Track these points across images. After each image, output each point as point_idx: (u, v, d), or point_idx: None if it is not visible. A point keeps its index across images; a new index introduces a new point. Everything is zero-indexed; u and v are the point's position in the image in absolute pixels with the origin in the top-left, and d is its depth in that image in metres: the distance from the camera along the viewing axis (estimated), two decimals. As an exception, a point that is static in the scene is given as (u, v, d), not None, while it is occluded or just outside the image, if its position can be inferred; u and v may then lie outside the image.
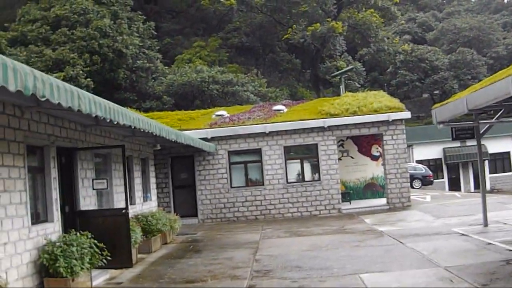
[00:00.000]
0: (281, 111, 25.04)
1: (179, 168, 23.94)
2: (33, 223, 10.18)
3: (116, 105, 10.35)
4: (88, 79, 31.56)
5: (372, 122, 23.00)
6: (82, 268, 10.08)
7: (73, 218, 12.41)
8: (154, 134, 12.84)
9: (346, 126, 23.12)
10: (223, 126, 23.59)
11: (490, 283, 9.16)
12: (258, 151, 23.44)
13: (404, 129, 23.33)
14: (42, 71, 30.88)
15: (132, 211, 15.77)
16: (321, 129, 23.09)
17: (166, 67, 41.28)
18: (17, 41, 35.56)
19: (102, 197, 14.53)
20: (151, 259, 14.33)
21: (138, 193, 17.37)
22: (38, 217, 10.78)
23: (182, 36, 52.42)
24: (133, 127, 11.05)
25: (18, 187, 9.62)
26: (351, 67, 46.30)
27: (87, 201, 12.89)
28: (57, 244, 10.11)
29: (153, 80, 38.50)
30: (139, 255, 14.78)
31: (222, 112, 25.60)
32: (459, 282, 9.31)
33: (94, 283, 11.18)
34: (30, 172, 10.40)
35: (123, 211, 12.26)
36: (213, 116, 25.43)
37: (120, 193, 15.15)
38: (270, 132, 23.18)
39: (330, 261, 12.21)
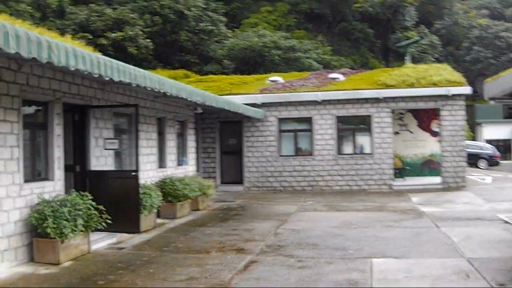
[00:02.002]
0: (337, 80, 23.95)
1: (227, 134, 23.39)
2: (27, 181, 9.81)
3: (128, 65, 9.88)
4: (148, 40, 31.27)
5: (430, 96, 21.60)
6: (74, 230, 9.65)
7: (83, 178, 12.02)
8: (181, 97, 12.29)
9: (402, 98, 21.82)
10: (274, 92, 22.77)
11: (509, 282, 8.06)
12: (308, 120, 22.57)
13: (464, 105, 21.76)
14: (101, 30, 31.33)
15: (161, 174, 15.39)
16: (376, 100, 21.91)
17: (229, 31, 40.56)
18: (80, 0, 35.78)
19: (123, 158, 14.14)
20: (171, 225, 13.89)
21: (171, 157, 16.91)
22: (37, 175, 10.38)
23: (251, 0, 51.34)
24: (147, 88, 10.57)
25: (9, 142, 9.24)
26: (417, 38, 44.02)
27: (101, 162, 12.49)
28: (50, 203, 9.67)
29: (216, 44, 37.91)
30: (160, 220, 14.46)
31: (277, 77, 24.75)
32: (475, 279, 8.26)
33: (95, 247, 10.79)
34: (28, 127, 10.01)
35: (133, 173, 11.70)
36: (267, 81, 24.64)
37: (146, 155, 14.75)
38: (322, 101, 22.21)
39: (351, 241, 11.39)
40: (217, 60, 36.73)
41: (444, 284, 8.00)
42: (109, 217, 10.69)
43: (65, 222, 9.48)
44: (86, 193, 10.48)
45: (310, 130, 22.52)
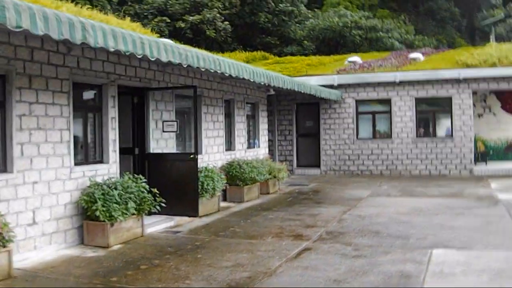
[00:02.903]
0: (417, 60, 22.88)
1: (304, 116, 22.91)
2: (79, 163, 9.78)
3: (184, 47, 9.65)
4: (226, 23, 31.05)
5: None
6: (124, 214, 9.54)
7: (142, 161, 11.92)
8: (242, 78, 11.97)
9: (483, 79, 20.50)
10: (351, 73, 22.03)
11: None
12: (387, 101, 21.71)
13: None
14: (180, 13, 31.38)
15: (229, 157, 15.17)
16: (456, 81, 20.73)
17: (309, 11, 39.69)
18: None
19: (187, 141, 13.99)
20: (235, 209, 13.65)
21: (240, 139, 16.63)
22: (90, 157, 10.34)
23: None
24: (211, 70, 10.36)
25: (59, 125, 9.22)
26: (502, 16, 41.42)
27: (162, 144, 12.35)
28: (101, 186, 9.59)
29: (297, 25, 37.20)
30: (226, 204, 14.28)
31: (356, 58, 23.98)
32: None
33: (150, 230, 10.67)
34: (80, 110, 9.98)
35: (191, 156, 11.48)
36: (346, 62, 23.93)
37: (212, 137, 14.55)
38: (400, 82, 21.28)
39: (415, 229, 10.73)
40: (297, 41, 36.07)
41: (503, 280, 7.24)
42: (164, 200, 10.52)
43: (115, 205, 9.36)
44: (140, 176, 10.35)
45: (388, 112, 21.67)
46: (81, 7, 11.70)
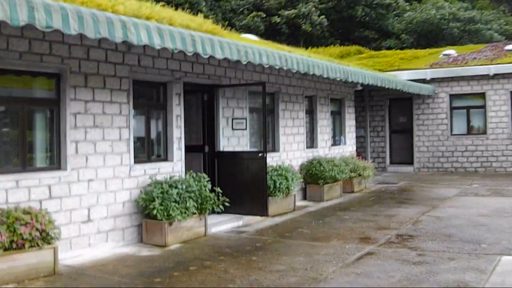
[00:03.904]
0: (514, 52, 21.39)
1: (397, 111, 22.09)
2: (140, 161, 9.79)
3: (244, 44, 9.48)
4: (322, 17, 30.49)
5: None
6: (183, 213, 9.41)
7: (213, 159, 11.82)
8: (313, 73, 11.63)
9: None
10: (444, 67, 20.95)
11: None
12: (481, 96, 20.57)
13: None
14: (275, 8, 31.13)
15: (310, 155, 14.84)
16: (554, 72, 19.17)
17: (407, 4, 38.20)
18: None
19: (262, 139, 13.73)
20: (311, 209, 13.31)
21: (323, 136, 16.19)
22: (152, 155, 10.35)
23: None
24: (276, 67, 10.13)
25: (117, 123, 9.25)
26: None
27: (233, 142, 12.19)
28: (161, 185, 9.53)
29: (396, 18, 35.95)
30: (304, 203, 14.09)
31: (451, 51, 22.82)
32: None
33: (216, 229, 10.55)
34: (141, 107, 9.99)
35: (259, 155, 11.22)
36: (440, 55, 22.82)
37: (291, 135, 14.26)
38: (495, 75, 20.03)
39: (490, 233, 9.99)
40: (395, 35, 34.89)
41: None
42: (227, 200, 10.34)
43: (173, 204, 9.26)
44: (203, 175, 10.21)
45: (483, 107, 20.50)
46: (155, 4, 11.65)
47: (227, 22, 33.04)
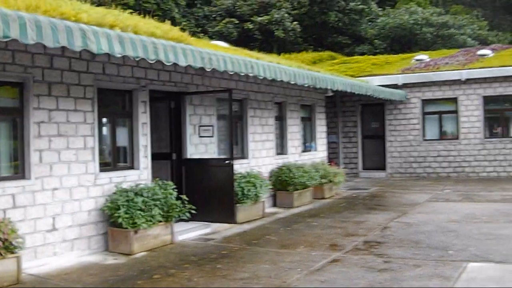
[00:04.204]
0: (486, 56, 21.72)
1: (369, 117, 22.25)
2: (106, 170, 9.74)
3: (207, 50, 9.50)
4: (295, 23, 30.63)
5: None
6: (149, 221, 9.38)
7: (180, 167, 11.80)
8: (280, 80, 11.65)
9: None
10: (416, 72, 21.18)
11: None
12: (453, 101, 20.82)
13: None
14: (248, 14, 31.23)
15: (280, 161, 14.86)
16: (525, 77, 19.47)
17: (380, 9, 38.52)
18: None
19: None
20: (281, 216, 13.33)
21: (294, 142, 16.25)
22: (118, 163, 10.30)
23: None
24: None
25: (82, 132, 9.21)
26: None
27: (201, 149, 12.19)
28: (126, 193, 9.50)
29: (369, 23, 36.23)
30: (274, 209, 14.14)
31: (423, 56, 23.07)
32: None
33: (183, 237, 10.52)
34: (108, 116, 9.96)
35: (226, 162, 11.23)
36: (412, 60, 23.07)
37: (260, 141, 14.31)
38: (467, 80, 20.32)
39: (459, 239, 10.09)
40: (369, 40, 35.15)
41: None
42: (193, 207, 10.35)
43: (138, 212, 9.23)
44: (169, 182, 10.21)
45: (455, 112, 20.73)
46: (123, 12, 11.63)
47: (200, 29, 33.13)
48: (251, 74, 10.87)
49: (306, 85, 13.45)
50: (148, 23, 11.14)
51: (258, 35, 32.22)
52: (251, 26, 32.21)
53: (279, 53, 29.65)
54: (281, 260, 8.88)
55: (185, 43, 11.04)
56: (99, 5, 25.29)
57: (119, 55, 7.65)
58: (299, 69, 13.36)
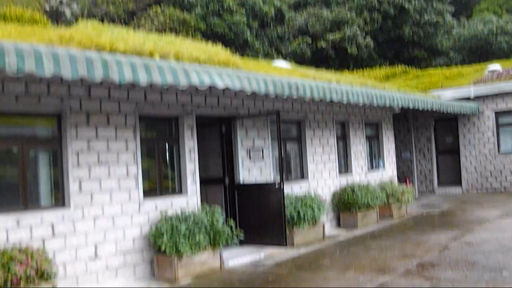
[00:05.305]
0: None
1: (442, 132, 21.43)
2: (151, 196, 9.80)
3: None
4: (367, 39, 30.08)
5: None
6: (194, 247, 9.31)
7: (233, 191, 11.73)
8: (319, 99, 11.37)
9: None
10: (488, 83, 20.19)
11: None
12: (529, 111, 19.60)
13: None
14: (320, 32, 31.02)
15: (344, 181, 14.53)
16: None
17: (455, 20, 37.18)
18: (299, 5, 35.82)
19: (292, 167, 13.58)
20: (342, 238, 12.96)
21: (359, 162, 15.83)
22: (165, 190, 10.32)
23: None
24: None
25: (124, 159, 9.29)
26: None
27: (255, 173, 12.05)
28: (171, 220, 9.49)
29: (445, 35, 35.06)
30: (337, 231, 13.95)
31: (496, 66, 22.01)
32: None
33: (233, 263, 10.39)
34: (151, 142, 10.03)
35: (276, 186, 11.04)
36: (485, 71, 22.00)
37: (320, 162, 14.03)
38: (540, 90, 19.11)
39: (522, 260, 9.40)
40: (445, 53, 34.01)
41: None
42: (241, 233, 10.25)
43: (182, 239, 9.16)
44: (216, 208, 10.12)
45: (532, 123, 19.54)
46: (178, 37, 11.75)
47: (273, 49, 33.18)
48: (295, 96, 10.63)
49: (360, 104, 13.02)
50: (194, 48, 11.19)
51: (332, 54, 31.92)
52: (324, 44, 31.97)
53: (356, 70, 29.25)
54: (326, 286, 8.57)
55: (233, 66, 11.01)
56: (171, 30, 25.92)
57: (145, 84, 7.63)
58: (354, 87, 12.97)
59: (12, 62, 6.12)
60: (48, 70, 6.45)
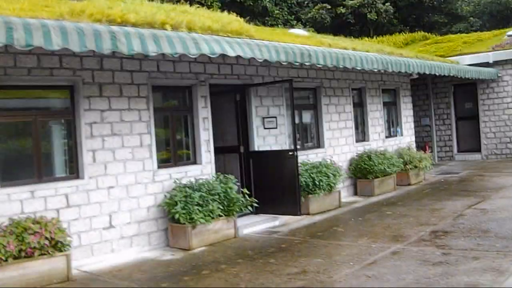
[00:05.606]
0: None
1: (462, 97, 21.18)
2: (165, 166, 9.91)
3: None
4: (387, 4, 29.64)
5: None
6: (207, 216, 9.42)
7: (248, 159, 11.80)
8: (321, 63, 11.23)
9: None
10: (507, 48, 19.86)
11: None
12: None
13: None
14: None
15: (361, 149, 14.54)
16: None
17: None
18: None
19: (305, 136, 13.60)
20: (358, 205, 13.06)
21: (376, 129, 15.79)
22: (179, 159, 10.42)
23: None
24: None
25: (137, 130, 9.40)
26: None
27: (270, 141, 12.10)
28: (184, 189, 9.60)
29: (464, 0, 34.37)
30: (353, 198, 14.03)
31: (515, 31, 21.57)
32: None
33: (248, 231, 10.50)
34: (164, 112, 10.12)
35: (290, 153, 11.08)
36: (505, 36, 21.61)
37: (337, 129, 14.05)
38: (562, 53, 18.73)
39: (534, 226, 9.40)
40: (465, 18, 33.37)
41: None
42: (255, 201, 10.35)
43: (195, 207, 9.29)
44: (230, 176, 10.22)
45: (552, 88, 19.21)
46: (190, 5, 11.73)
47: (293, 16, 32.90)
48: (307, 63, 10.60)
49: (375, 70, 12.93)
50: (207, 17, 11.16)
51: (351, 19, 31.57)
52: (343, 10, 31.60)
53: (376, 36, 28.93)
54: (338, 253, 8.66)
55: (246, 35, 11.01)
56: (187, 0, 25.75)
57: (154, 54, 7.67)
58: (368, 53, 12.88)
59: (20, 37, 6.19)
60: (56, 44, 6.52)
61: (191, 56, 8.38)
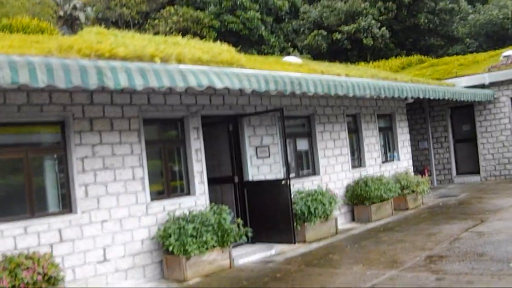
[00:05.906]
0: None
1: (459, 120, 21.20)
2: (158, 198, 9.92)
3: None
4: (383, 29, 29.87)
5: None
6: (201, 247, 9.42)
7: (242, 189, 11.82)
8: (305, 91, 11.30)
9: None
10: (503, 69, 19.95)
11: None
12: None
13: None
14: (335, 25, 30.89)
15: (357, 174, 14.53)
16: None
17: (469, 6, 36.68)
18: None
19: (302, 162, 13.62)
20: (355, 231, 13.00)
21: (372, 154, 15.80)
22: (172, 191, 10.43)
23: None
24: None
25: (129, 163, 9.43)
26: None
27: (264, 170, 12.11)
28: (178, 220, 9.62)
29: (460, 22, 34.60)
30: (351, 225, 13.93)
31: (510, 52, 21.66)
32: None
33: (243, 260, 10.48)
34: (157, 144, 10.16)
35: (282, 182, 11.10)
36: (501, 57, 21.73)
37: (332, 156, 14.06)
38: (556, 73, 18.81)
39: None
40: (461, 40, 33.59)
41: None
42: (250, 230, 10.36)
43: (189, 239, 9.29)
44: (223, 207, 10.22)
45: (549, 108, 19.24)
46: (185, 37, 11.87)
47: (289, 44, 33.15)
48: (298, 92, 10.66)
49: (367, 96, 13.00)
50: (197, 48, 11.27)
51: (347, 45, 31.79)
52: (339, 36, 31.83)
53: (371, 62, 29.11)
54: (332, 281, 8.65)
55: (237, 65, 11.09)
56: (185, 29, 26.05)
57: (140, 88, 7.74)
58: (361, 79, 12.95)
59: (6, 75, 6.26)
60: (41, 81, 6.59)
61: (178, 90, 8.44)
